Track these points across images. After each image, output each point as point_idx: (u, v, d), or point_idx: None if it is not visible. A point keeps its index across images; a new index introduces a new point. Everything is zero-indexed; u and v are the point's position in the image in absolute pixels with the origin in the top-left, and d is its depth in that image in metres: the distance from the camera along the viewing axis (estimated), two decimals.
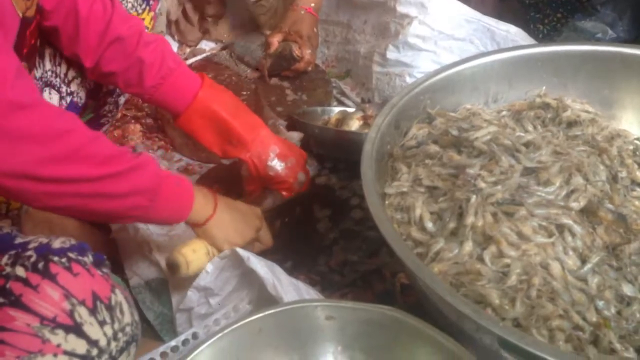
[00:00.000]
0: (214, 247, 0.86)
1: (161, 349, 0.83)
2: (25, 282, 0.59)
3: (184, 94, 0.90)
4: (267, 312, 0.65)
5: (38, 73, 0.82)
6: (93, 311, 0.60)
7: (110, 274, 0.66)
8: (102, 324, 0.61)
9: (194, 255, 0.84)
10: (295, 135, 1.12)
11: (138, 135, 1.27)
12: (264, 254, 0.92)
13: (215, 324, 0.87)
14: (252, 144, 0.94)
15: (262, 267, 0.85)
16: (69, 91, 0.87)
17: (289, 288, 0.84)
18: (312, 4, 1.39)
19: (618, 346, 0.69)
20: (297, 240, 1.08)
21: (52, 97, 0.85)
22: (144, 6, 0.98)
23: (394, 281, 0.96)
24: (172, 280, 0.96)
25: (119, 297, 0.64)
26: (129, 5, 0.95)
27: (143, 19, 0.99)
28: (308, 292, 0.89)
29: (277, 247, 1.04)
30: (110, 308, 0.62)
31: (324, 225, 1.11)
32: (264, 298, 0.88)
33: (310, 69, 1.40)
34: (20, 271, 0.60)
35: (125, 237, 1.02)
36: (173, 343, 0.84)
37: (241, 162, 0.98)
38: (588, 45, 0.99)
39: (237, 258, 0.86)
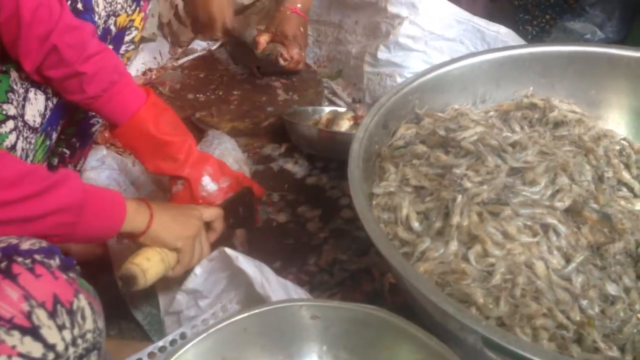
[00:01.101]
0: (165, 250, 0.83)
1: (149, 349, 0.83)
2: None
3: (125, 108, 0.89)
4: (252, 312, 0.65)
5: (24, 74, 0.82)
6: (52, 314, 0.59)
7: (79, 279, 0.64)
8: (61, 328, 0.59)
9: (149, 263, 0.80)
10: (240, 156, 1.11)
11: None
12: (253, 253, 0.93)
13: (204, 324, 0.87)
14: (187, 163, 0.95)
15: (250, 266, 0.85)
16: (55, 92, 0.87)
17: (277, 287, 0.84)
18: (299, 5, 1.40)
19: (602, 345, 0.69)
20: (287, 239, 1.08)
21: (37, 98, 0.84)
22: (134, 7, 0.98)
23: (383, 281, 0.97)
24: (159, 282, 0.96)
25: (82, 302, 0.62)
26: (119, 6, 0.95)
27: (133, 20, 0.99)
28: (296, 291, 0.89)
29: (266, 246, 1.05)
30: (71, 312, 0.60)
31: (314, 225, 1.11)
32: (252, 298, 0.88)
33: (300, 67, 1.41)
34: None
35: (114, 238, 1.02)
36: (161, 343, 0.84)
37: (173, 179, 0.97)
38: (575, 45, 0.99)
39: (226, 258, 0.86)
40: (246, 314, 0.65)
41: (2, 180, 0.63)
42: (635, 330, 0.73)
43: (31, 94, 0.84)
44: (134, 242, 0.82)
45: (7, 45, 0.79)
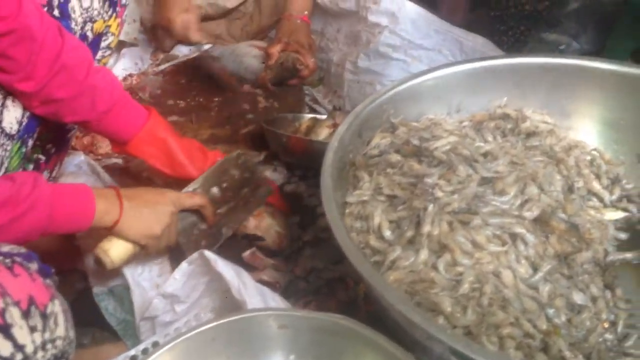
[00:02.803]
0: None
1: (120, 357, 0.83)
2: None
3: (135, 119, 0.94)
4: (220, 322, 0.66)
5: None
6: (26, 315, 0.59)
7: (54, 289, 0.66)
8: (32, 329, 0.59)
9: (109, 243, 0.86)
10: None
11: (107, 143, 1.26)
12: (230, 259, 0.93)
13: (176, 333, 0.87)
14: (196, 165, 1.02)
15: (228, 270, 0.86)
16: None
17: (253, 292, 0.85)
18: (306, 12, 1.41)
19: (568, 354, 0.70)
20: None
21: (15, 105, 0.84)
22: (110, 13, 0.98)
23: (357, 289, 0.97)
24: (134, 287, 0.96)
25: (56, 308, 0.63)
26: (95, 12, 0.95)
27: (109, 26, 0.99)
28: (273, 297, 0.89)
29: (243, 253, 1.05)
30: (44, 316, 0.61)
31: (292, 233, 1.11)
32: (226, 307, 0.88)
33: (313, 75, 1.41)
34: None
35: (89, 243, 1.01)
36: (132, 352, 0.84)
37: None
38: (547, 57, 1.01)
39: (205, 261, 0.87)
40: (214, 324, 0.65)
41: None
42: (600, 339, 0.75)
43: (9, 102, 0.84)
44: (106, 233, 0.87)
45: (10, 70, 0.80)
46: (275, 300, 0.88)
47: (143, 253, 0.89)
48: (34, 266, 0.63)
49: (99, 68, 0.90)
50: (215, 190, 1.00)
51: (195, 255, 0.87)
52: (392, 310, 0.67)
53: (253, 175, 1.06)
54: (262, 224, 1.02)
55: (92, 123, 0.91)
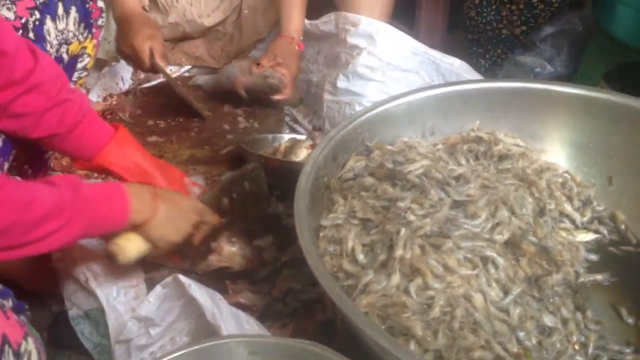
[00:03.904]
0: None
1: None
2: None
3: (103, 132, 0.94)
4: (190, 349, 0.65)
5: None
6: None
7: (29, 325, 0.66)
8: None
9: (128, 242, 0.85)
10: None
11: None
12: (206, 281, 0.93)
13: (151, 357, 0.87)
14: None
15: (202, 294, 0.85)
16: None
17: (228, 317, 0.85)
18: (301, 37, 1.41)
19: None
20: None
21: None
22: (85, 34, 0.98)
23: (335, 310, 0.97)
24: (109, 311, 0.95)
25: (30, 345, 0.63)
26: (70, 34, 0.95)
27: (85, 47, 1.00)
28: (248, 321, 0.89)
29: (220, 275, 1.05)
30: (17, 355, 0.61)
31: (270, 253, 1.12)
32: (202, 330, 0.88)
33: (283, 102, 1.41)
34: None
35: (64, 266, 1.01)
36: None
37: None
38: (519, 82, 1.03)
39: (179, 285, 0.87)
40: (184, 351, 0.65)
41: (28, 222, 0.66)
42: None
43: None
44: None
45: None
46: (250, 324, 0.88)
47: (153, 253, 0.88)
48: (8, 303, 0.63)
49: (70, 88, 0.90)
50: (225, 201, 1.00)
51: (169, 278, 0.87)
52: (363, 334, 0.67)
53: (259, 190, 1.06)
54: (223, 254, 1.01)
55: (60, 137, 0.90)
